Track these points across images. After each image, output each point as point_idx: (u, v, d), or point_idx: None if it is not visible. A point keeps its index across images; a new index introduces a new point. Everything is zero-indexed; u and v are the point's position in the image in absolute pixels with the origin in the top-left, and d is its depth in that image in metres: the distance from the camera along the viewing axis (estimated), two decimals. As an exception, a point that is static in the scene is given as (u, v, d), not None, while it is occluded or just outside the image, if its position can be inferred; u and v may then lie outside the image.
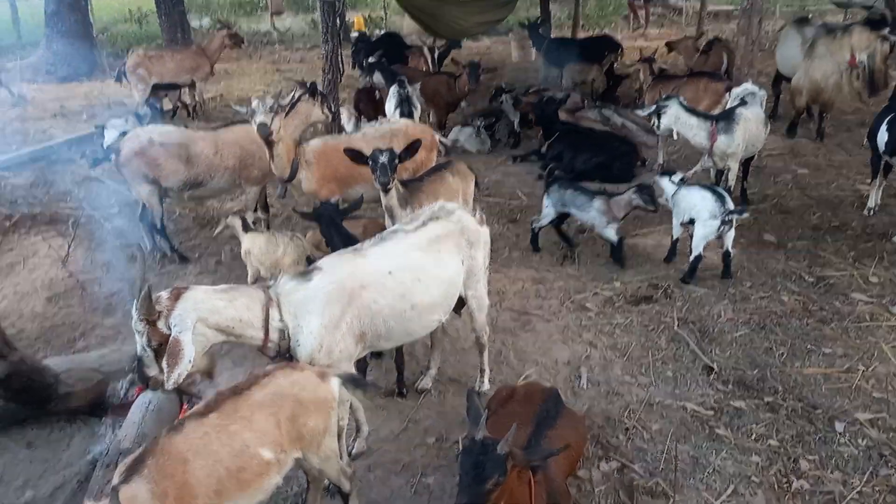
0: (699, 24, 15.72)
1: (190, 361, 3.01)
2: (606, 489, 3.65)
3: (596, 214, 6.05)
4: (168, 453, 2.58)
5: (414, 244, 3.86)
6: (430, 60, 11.98)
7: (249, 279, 5.59)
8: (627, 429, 4.10)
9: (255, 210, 6.63)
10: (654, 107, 6.62)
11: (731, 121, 6.52)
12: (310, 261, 5.39)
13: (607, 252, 6.28)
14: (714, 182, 6.74)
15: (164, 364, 3.01)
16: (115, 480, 2.52)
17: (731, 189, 6.64)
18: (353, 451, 3.94)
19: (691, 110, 6.63)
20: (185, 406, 4.02)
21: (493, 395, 3.85)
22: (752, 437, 4.02)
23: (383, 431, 4.22)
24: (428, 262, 3.85)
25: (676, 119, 6.50)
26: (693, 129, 6.57)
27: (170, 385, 3.00)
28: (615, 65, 12.38)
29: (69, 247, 6.65)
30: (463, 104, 10.97)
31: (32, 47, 17.11)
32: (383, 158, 4.82)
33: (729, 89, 7.91)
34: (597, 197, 6.08)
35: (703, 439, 4.02)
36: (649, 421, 4.17)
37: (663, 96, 6.97)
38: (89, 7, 16.78)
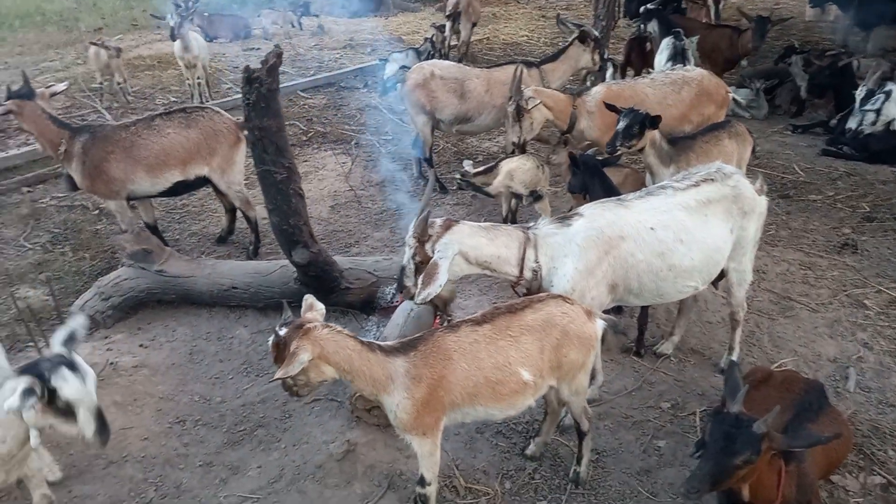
0: None
1: (440, 286, 3.27)
2: (865, 503, 3.29)
3: None
4: (437, 347, 2.86)
5: (681, 203, 3.69)
6: (712, 12, 11.05)
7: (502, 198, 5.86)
8: (901, 446, 3.62)
9: (513, 152, 6.78)
10: None
11: None
12: (533, 193, 5.51)
13: (900, 247, 5.43)
14: None
15: (418, 281, 3.32)
16: (382, 347, 2.88)
17: None
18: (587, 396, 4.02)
19: None
20: (437, 319, 4.41)
21: (745, 375, 3.62)
22: None
23: (616, 385, 4.23)
24: (693, 224, 3.67)
25: None
26: None
27: (419, 300, 3.31)
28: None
29: (351, 164, 7.52)
30: (743, 62, 10.01)
31: (331, -17, 19.14)
32: (621, 124, 4.61)
33: None
34: None
35: None
36: (931, 444, 3.63)
37: None
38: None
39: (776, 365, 4.28)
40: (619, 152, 4.77)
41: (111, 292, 4.87)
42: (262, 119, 3.74)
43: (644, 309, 4.43)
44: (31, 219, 6.52)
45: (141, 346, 4.67)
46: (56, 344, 2.69)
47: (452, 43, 11.95)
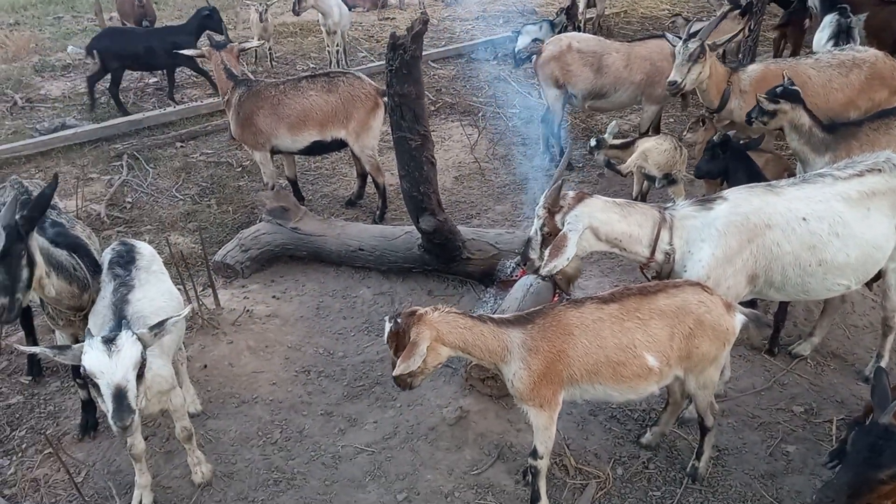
0: None
1: (568, 259, 3.16)
2: None
3: None
4: (557, 321, 2.81)
5: (840, 193, 3.39)
6: (885, -14, 9.90)
7: (630, 174, 5.61)
8: None
9: (647, 132, 6.53)
10: None
11: None
12: (668, 177, 5.20)
13: None
14: None
15: (545, 253, 3.26)
16: (494, 319, 2.86)
17: None
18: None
19: None
20: (555, 297, 4.35)
21: (895, 386, 3.30)
22: None
23: (743, 383, 4.00)
24: (852, 217, 3.36)
25: None
26: None
27: (544, 272, 3.23)
28: None
29: (477, 136, 7.53)
30: (917, 44, 8.94)
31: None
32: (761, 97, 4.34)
33: None
34: None
35: None
36: None
37: None
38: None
39: (933, 380, 3.87)
40: (754, 126, 4.53)
41: (250, 244, 5.21)
42: (403, 85, 3.81)
43: (783, 305, 4.14)
44: (182, 172, 7.09)
45: (274, 297, 4.97)
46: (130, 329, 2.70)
47: (588, 16, 11.58)
